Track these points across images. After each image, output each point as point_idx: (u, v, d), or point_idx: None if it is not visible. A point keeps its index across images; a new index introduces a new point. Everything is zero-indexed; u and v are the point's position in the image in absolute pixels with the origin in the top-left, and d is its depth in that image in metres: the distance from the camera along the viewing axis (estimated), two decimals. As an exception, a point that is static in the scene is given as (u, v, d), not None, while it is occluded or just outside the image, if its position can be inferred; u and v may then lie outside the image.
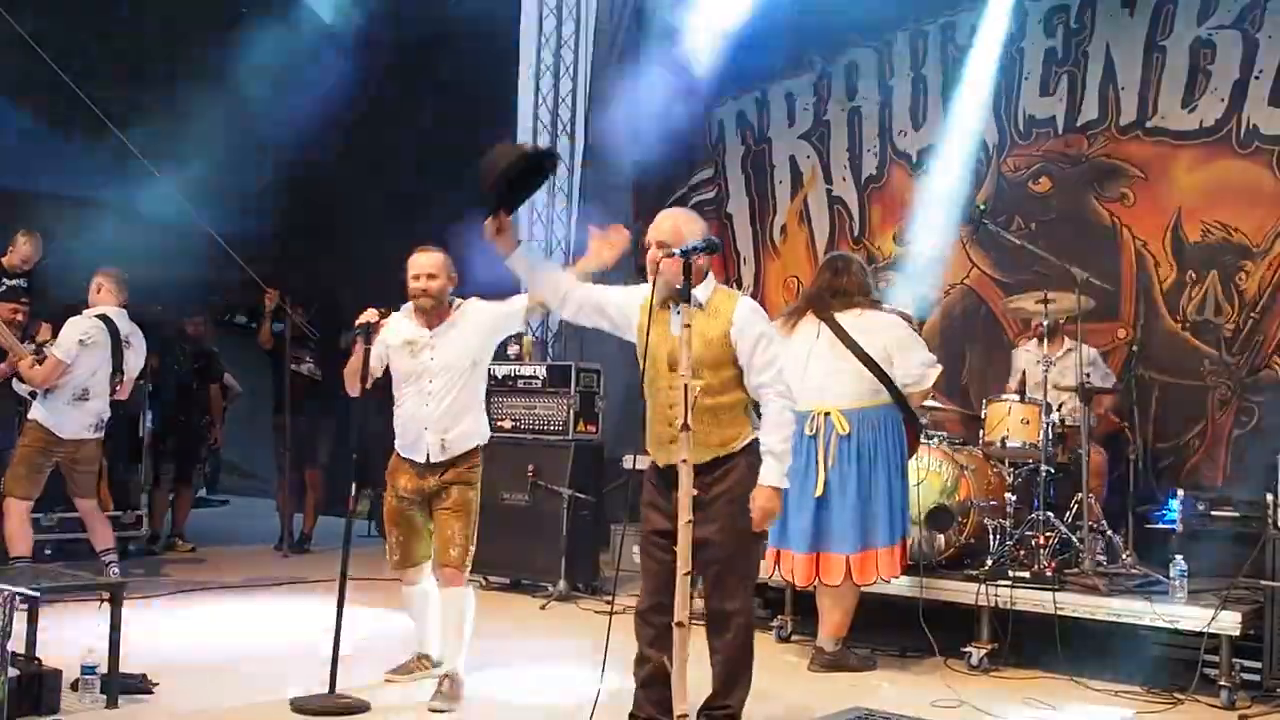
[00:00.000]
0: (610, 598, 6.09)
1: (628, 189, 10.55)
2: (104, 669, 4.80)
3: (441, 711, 5.06)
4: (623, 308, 4.56)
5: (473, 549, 5.33)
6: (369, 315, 5.27)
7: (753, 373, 4.34)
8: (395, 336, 5.32)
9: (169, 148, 8.60)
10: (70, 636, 4.85)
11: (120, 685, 4.84)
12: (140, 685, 5.00)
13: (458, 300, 5.42)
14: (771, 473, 4.27)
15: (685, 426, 3.88)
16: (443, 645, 5.38)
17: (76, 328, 6.96)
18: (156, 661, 5.24)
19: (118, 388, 7.14)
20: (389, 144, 10.89)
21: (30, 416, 6.96)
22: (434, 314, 5.30)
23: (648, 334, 4.29)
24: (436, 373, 5.26)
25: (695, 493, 3.99)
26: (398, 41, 10.79)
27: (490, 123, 10.65)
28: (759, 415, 4.43)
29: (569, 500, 7.80)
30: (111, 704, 4.77)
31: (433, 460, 5.27)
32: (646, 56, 10.45)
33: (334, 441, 9.78)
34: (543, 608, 7.52)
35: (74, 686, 4.78)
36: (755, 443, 4.35)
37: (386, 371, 5.44)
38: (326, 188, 11.17)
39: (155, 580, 7.87)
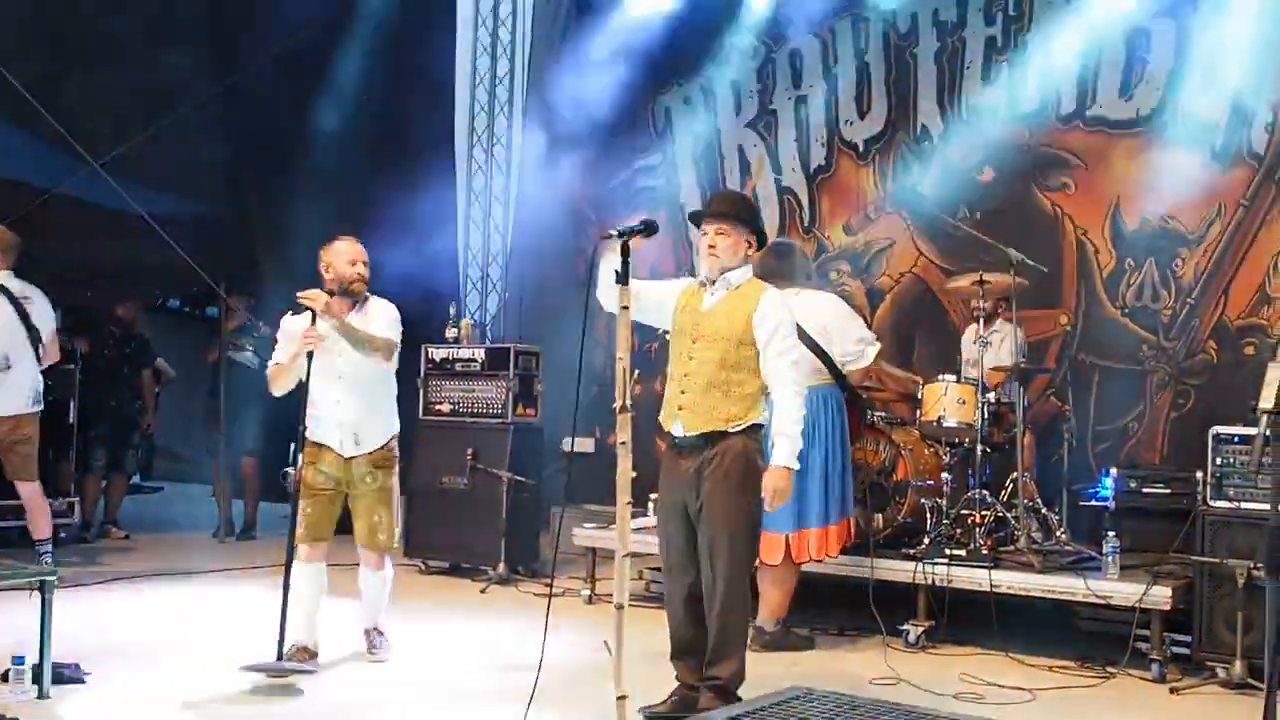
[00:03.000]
0: (550, 580, 6.08)
1: (570, 169, 10.50)
2: (35, 659, 4.72)
3: (383, 661, 5.49)
4: (667, 292, 4.82)
5: (398, 530, 5.59)
6: (314, 296, 5.22)
7: (769, 356, 4.57)
8: (299, 326, 5.30)
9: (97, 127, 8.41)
10: (1, 627, 4.76)
11: (53, 675, 4.77)
12: (73, 675, 4.93)
13: (365, 293, 5.50)
14: (782, 453, 4.52)
15: (623, 408, 3.90)
16: (368, 606, 5.60)
17: None
18: (90, 651, 5.16)
19: (42, 352, 6.94)
20: (323, 119, 10.65)
21: None
22: (348, 302, 5.39)
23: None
24: (342, 355, 5.30)
25: (695, 464, 4.49)
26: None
27: (427, 105, 10.58)
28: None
29: (508, 483, 7.78)
30: (43, 694, 4.69)
31: (346, 455, 5.39)
32: (587, 36, 10.41)
33: (268, 429, 9.66)
34: (483, 591, 7.50)
35: (4, 678, 4.71)
36: (756, 426, 4.57)
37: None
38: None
39: (88, 569, 7.74)
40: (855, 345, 6.04)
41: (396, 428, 5.59)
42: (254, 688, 4.97)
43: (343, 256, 5.41)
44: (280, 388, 5.39)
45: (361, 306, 5.44)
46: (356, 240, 5.50)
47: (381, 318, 5.47)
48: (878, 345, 6.16)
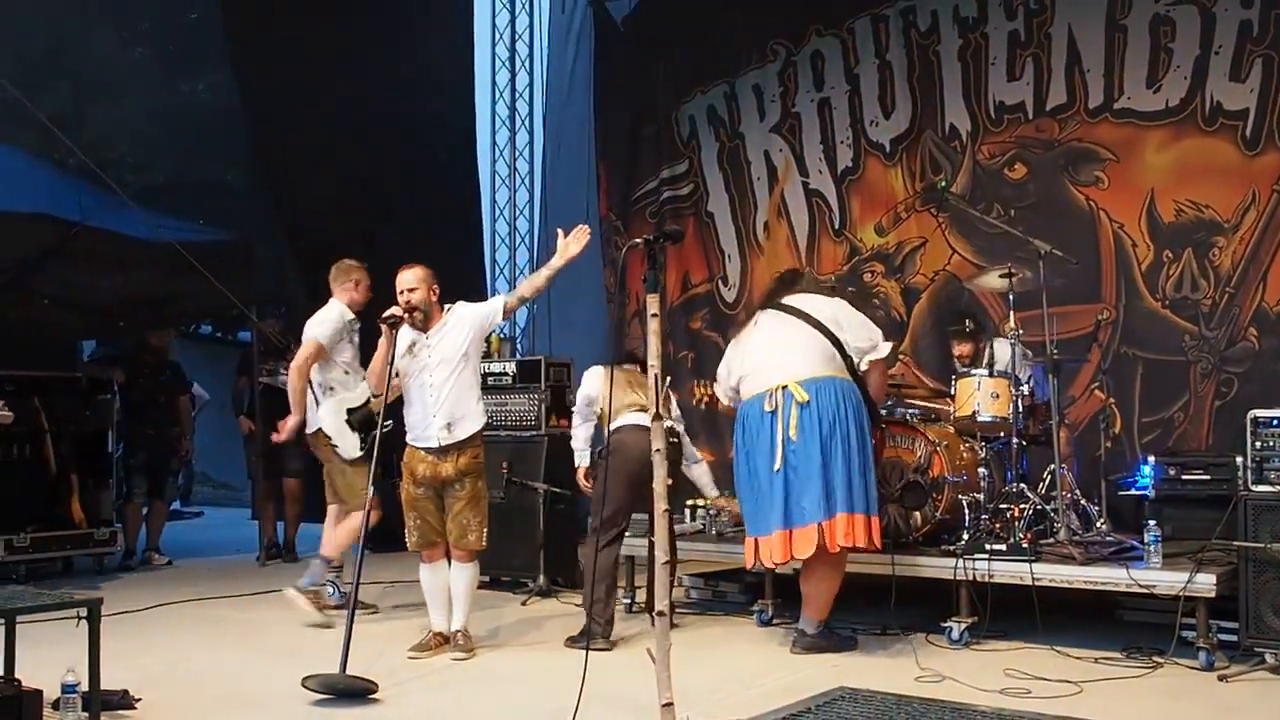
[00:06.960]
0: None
1: (592, 182, 10.53)
2: (85, 687, 4.76)
3: (462, 660, 5.89)
4: None
5: (485, 529, 6.08)
6: (396, 310, 5.88)
7: None
8: (401, 343, 5.94)
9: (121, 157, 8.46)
10: (51, 656, 4.81)
11: (102, 703, 4.81)
12: (122, 701, 4.97)
13: (448, 306, 6.11)
14: None
15: (656, 416, 3.91)
16: (456, 607, 6.09)
17: None
18: (139, 677, 5.21)
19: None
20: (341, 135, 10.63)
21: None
22: (427, 320, 5.98)
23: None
24: (435, 367, 5.96)
25: None
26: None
27: (448, 124, 10.60)
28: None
29: (545, 495, 7.80)
30: (94, 721, 4.74)
31: (442, 444, 5.92)
32: (605, 46, 10.42)
33: (304, 450, 9.71)
34: (524, 604, 7.52)
35: (55, 706, 4.75)
36: None
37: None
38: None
39: (133, 596, 7.79)
40: (868, 338, 5.91)
41: (484, 419, 6.15)
42: (303, 707, 5.00)
43: (397, 289, 5.97)
44: (376, 382, 6.05)
45: (448, 318, 6.04)
46: (414, 266, 6.02)
47: (471, 310, 6.10)
48: (889, 344, 6.05)
